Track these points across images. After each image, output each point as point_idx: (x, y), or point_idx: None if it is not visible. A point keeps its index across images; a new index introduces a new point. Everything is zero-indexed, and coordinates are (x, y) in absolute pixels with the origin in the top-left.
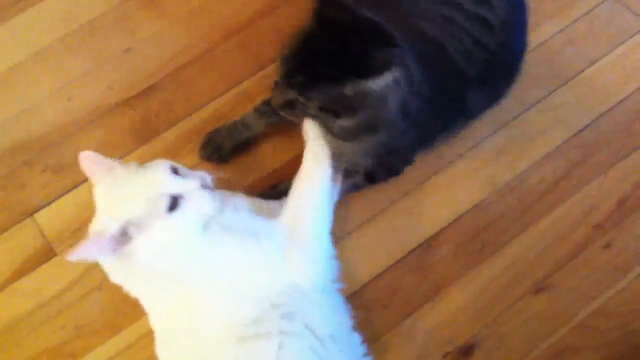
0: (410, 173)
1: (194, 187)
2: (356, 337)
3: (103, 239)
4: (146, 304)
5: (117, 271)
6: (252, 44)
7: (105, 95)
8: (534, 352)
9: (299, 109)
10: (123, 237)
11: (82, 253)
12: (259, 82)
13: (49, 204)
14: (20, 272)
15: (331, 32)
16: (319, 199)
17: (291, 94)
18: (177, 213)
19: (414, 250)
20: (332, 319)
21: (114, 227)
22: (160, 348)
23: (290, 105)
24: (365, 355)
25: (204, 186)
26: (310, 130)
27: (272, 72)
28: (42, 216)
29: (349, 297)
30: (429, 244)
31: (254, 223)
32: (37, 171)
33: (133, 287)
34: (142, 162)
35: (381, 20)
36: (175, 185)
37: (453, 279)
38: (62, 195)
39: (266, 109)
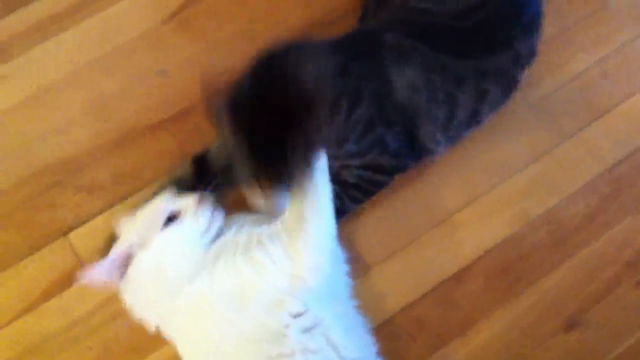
0: (442, 204)
1: (190, 203)
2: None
3: (109, 260)
4: (167, 332)
5: (136, 303)
6: None
7: (139, 117)
8: None
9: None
10: (129, 259)
11: (91, 275)
12: None
13: (82, 224)
14: (51, 291)
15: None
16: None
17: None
18: (172, 226)
19: (443, 282)
20: (353, 335)
21: (118, 249)
22: None
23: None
24: None
25: (202, 203)
26: None
27: None
28: (75, 236)
29: (377, 327)
30: (459, 277)
31: (256, 230)
32: (71, 191)
33: (150, 316)
34: None
35: None
36: (172, 203)
37: (483, 313)
38: (96, 215)
39: None
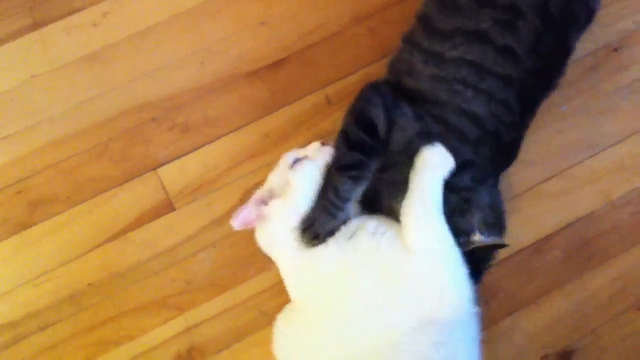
0: (526, 174)
1: (314, 147)
2: None
3: (251, 201)
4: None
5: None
6: (380, 30)
7: (236, 64)
8: None
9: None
10: (267, 202)
11: (238, 218)
12: (383, 69)
13: (172, 160)
14: (139, 222)
15: None
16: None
17: None
18: (297, 166)
19: (521, 251)
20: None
21: (257, 195)
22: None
23: None
24: None
25: (323, 146)
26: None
27: None
28: (165, 172)
29: None
30: (537, 248)
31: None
32: (164, 128)
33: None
34: (265, 131)
35: None
36: (297, 152)
37: (558, 284)
38: (187, 154)
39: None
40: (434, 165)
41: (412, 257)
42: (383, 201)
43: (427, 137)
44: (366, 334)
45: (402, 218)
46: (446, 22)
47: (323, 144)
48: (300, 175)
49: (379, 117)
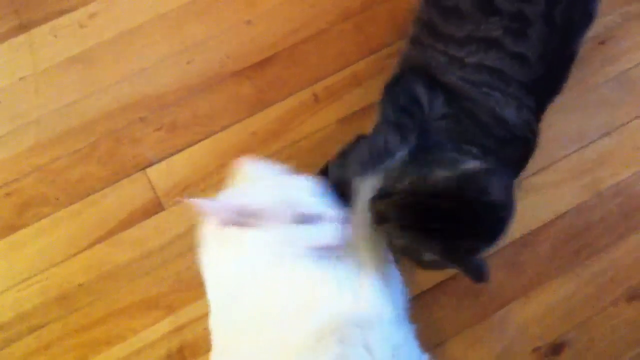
0: None
1: (330, 215)
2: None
3: (230, 204)
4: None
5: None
6: (367, 27)
7: (223, 63)
8: (623, 357)
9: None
10: (245, 218)
11: (206, 206)
12: (370, 66)
13: (161, 160)
14: (128, 222)
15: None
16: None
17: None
18: (305, 228)
19: (510, 244)
20: (393, 340)
21: (240, 201)
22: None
23: (380, 219)
24: None
25: (338, 220)
26: None
27: (383, 55)
28: (153, 172)
29: (441, 283)
30: (526, 241)
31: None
32: (152, 128)
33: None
34: (253, 129)
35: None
36: (314, 204)
37: (547, 277)
38: (175, 153)
39: None
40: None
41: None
42: None
43: (452, 121)
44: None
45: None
46: (454, 29)
47: (344, 220)
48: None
49: (423, 95)
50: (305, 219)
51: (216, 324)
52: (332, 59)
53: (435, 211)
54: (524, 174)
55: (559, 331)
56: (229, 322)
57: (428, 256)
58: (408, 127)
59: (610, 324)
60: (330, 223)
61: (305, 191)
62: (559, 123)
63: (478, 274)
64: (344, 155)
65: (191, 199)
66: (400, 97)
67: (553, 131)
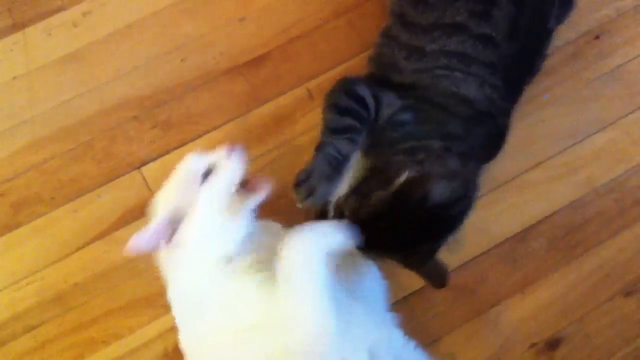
0: (510, 164)
1: (221, 156)
2: (408, 345)
3: (152, 228)
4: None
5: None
6: (360, 24)
7: (217, 60)
8: (619, 353)
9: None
10: (174, 224)
11: (138, 243)
12: (363, 62)
13: (156, 158)
14: (123, 221)
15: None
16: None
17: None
18: (208, 182)
19: (507, 240)
20: (368, 341)
21: (163, 215)
22: None
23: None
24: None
25: (232, 153)
26: None
27: None
28: (148, 170)
29: None
30: (522, 237)
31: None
32: (147, 126)
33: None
34: (248, 126)
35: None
36: (203, 160)
37: (544, 273)
38: (170, 151)
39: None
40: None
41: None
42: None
43: (411, 110)
44: None
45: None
46: (422, 17)
47: (231, 149)
48: (208, 199)
49: (366, 93)
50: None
51: (185, 343)
52: (326, 56)
53: (382, 229)
54: (518, 170)
55: (555, 327)
56: (197, 339)
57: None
58: (354, 128)
59: (606, 320)
60: (227, 159)
61: (191, 157)
62: (554, 118)
63: (438, 281)
64: (307, 175)
65: (131, 249)
66: (341, 99)
67: (547, 127)
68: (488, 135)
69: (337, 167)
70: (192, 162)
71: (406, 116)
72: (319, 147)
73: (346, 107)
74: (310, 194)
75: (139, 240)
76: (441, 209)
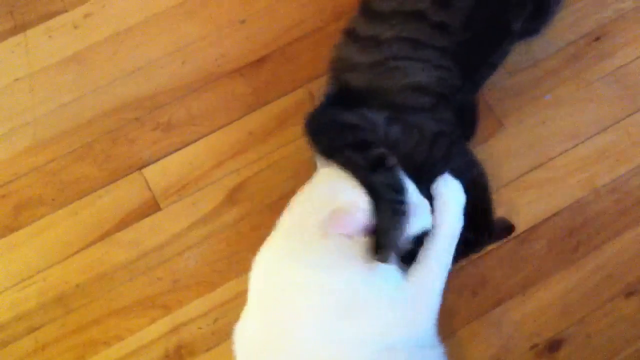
0: (510, 165)
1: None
2: None
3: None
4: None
5: None
6: None
7: (218, 62)
8: (621, 354)
9: None
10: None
11: (347, 224)
12: None
13: (157, 160)
14: (124, 222)
15: None
16: (450, 258)
17: None
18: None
19: (508, 241)
20: None
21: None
22: None
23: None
24: None
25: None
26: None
27: None
28: (149, 171)
29: None
30: (523, 238)
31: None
32: (148, 128)
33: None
34: (249, 128)
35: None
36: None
37: (545, 274)
38: (171, 153)
39: None
40: (452, 203)
41: (405, 288)
42: None
43: (393, 122)
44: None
45: (422, 251)
46: (384, 4)
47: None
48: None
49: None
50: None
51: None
52: (327, 58)
53: None
54: (519, 171)
55: (557, 328)
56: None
57: None
58: (383, 154)
59: (608, 320)
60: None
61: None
62: (554, 120)
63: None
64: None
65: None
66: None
67: (548, 128)
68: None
69: (401, 209)
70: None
71: (395, 131)
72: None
73: (358, 141)
74: (380, 248)
75: (349, 221)
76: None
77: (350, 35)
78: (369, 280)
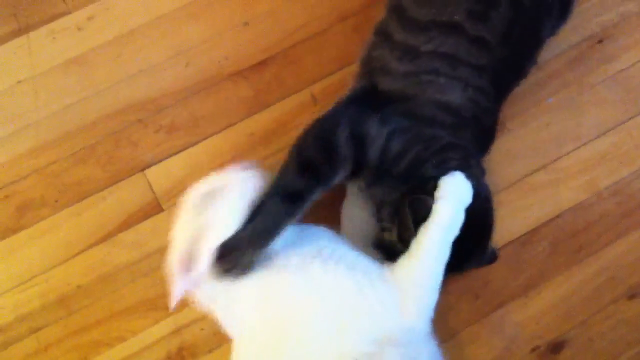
0: (513, 167)
1: (233, 175)
2: None
3: (175, 276)
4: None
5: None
6: (364, 28)
7: (221, 64)
8: (622, 357)
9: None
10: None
11: (176, 293)
12: None
13: (160, 161)
14: (127, 224)
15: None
16: (443, 252)
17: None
18: (216, 202)
19: (510, 243)
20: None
21: (176, 261)
22: None
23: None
24: None
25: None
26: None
27: None
28: (152, 173)
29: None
30: (525, 240)
31: (364, 262)
32: (151, 130)
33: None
34: (251, 130)
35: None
36: (207, 186)
37: (547, 276)
38: (174, 155)
39: None
40: (453, 196)
41: (394, 283)
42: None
43: (397, 136)
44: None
45: (413, 242)
46: (420, 12)
47: (244, 169)
48: (223, 214)
49: (342, 138)
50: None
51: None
52: (330, 60)
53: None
54: (522, 173)
55: (559, 330)
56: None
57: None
58: (306, 194)
59: (610, 323)
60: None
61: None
62: (557, 122)
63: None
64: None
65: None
66: (306, 148)
67: (551, 130)
68: (474, 136)
69: (263, 244)
70: (199, 189)
71: (396, 145)
72: (260, 207)
73: (308, 160)
74: (230, 270)
75: (175, 291)
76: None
77: (385, 37)
78: (354, 279)
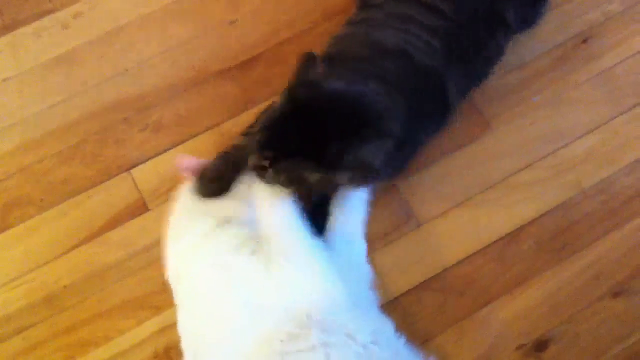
0: (498, 166)
1: None
2: (400, 340)
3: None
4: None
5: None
6: None
7: (207, 63)
8: (608, 353)
9: (270, 177)
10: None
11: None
12: None
13: (145, 160)
14: (113, 223)
15: (305, 113)
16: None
17: (263, 162)
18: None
19: (495, 242)
20: (371, 326)
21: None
22: None
23: (261, 170)
24: (412, 355)
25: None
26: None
27: None
28: (138, 172)
29: (427, 280)
30: (510, 238)
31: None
32: (136, 129)
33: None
34: (237, 129)
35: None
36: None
37: (532, 274)
38: (159, 154)
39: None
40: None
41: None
42: None
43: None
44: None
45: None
46: None
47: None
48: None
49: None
50: None
51: (184, 326)
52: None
53: (290, 132)
54: (507, 171)
55: (544, 328)
56: (195, 322)
57: (313, 177)
58: None
59: (595, 320)
60: None
61: None
62: (542, 121)
63: (365, 171)
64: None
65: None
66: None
67: (536, 129)
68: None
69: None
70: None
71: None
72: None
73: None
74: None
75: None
76: (340, 100)
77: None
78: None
